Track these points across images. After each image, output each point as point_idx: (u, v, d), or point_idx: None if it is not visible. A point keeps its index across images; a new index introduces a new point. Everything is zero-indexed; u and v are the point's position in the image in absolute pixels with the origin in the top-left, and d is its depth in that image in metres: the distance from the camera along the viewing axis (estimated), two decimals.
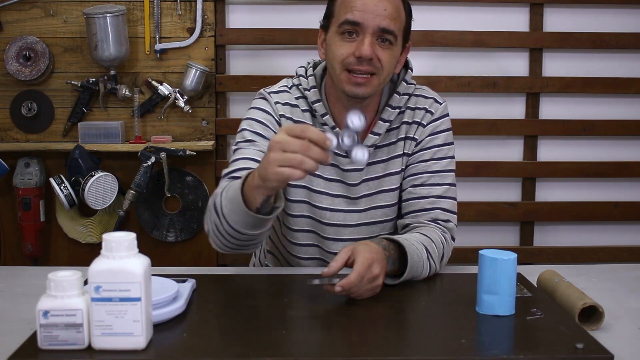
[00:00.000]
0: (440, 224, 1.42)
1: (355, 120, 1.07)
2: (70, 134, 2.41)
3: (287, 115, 1.46)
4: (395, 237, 1.30)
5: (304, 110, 1.46)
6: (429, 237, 1.35)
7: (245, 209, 1.16)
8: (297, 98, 1.47)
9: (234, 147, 1.46)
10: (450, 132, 1.49)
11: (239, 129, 1.47)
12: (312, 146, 1.04)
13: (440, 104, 1.49)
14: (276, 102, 1.46)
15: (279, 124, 1.45)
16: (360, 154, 1.08)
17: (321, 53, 1.44)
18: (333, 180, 1.46)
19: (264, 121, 1.44)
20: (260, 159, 1.33)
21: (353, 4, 1.34)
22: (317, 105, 1.44)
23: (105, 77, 2.37)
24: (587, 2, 2.46)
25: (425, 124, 1.46)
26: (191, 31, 2.39)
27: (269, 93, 1.48)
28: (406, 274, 1.25)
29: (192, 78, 2.34)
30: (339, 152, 1.40)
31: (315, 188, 1.46)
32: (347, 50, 1.34)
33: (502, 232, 2.60)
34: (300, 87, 1.47)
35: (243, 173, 1.22)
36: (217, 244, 1.28)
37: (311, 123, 1.46)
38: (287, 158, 1.04)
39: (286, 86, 1.49)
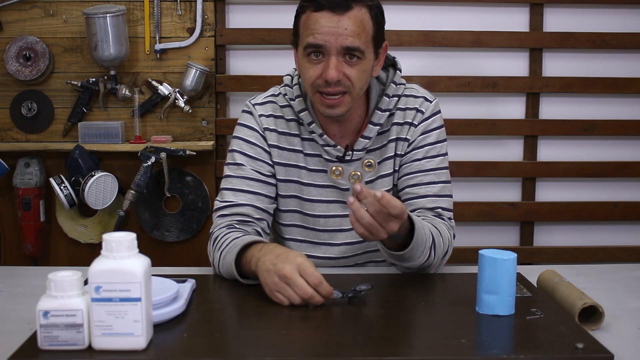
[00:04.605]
0: (445, 221, 1.42)
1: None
2: (70, 134, 2.41)
3: (271, 128, 1.47)
4: (413, 215, 1.26)
5: (289, 120, 1.47)
6: (439, 231, 1.35)
7: (242, 281, 1.24)
8: (282, 107, 1.47)
9: (225, 168, 1.47)
10: (443, 129, 1.48)
11: (229, 148, 1.49)
12: (314, 295, 1.12)
13: (431, 102, 1.47)
14: (260, 115, 1.47)
15: (264, 138, 1.46)
16: None
17: (298, 66, 1.43)
18: (326, 186, 1.47)
19: (250, 139, 1.46)
20: (247, 189, 1.42)
21: (314, 26, 1.31)
22: (303, 115, 1.44)
23: (105, 77, 2.37)
24: (587, 2, 2.46)
25: (416, 123, 1.45)
26: (191, 31, 2.39)
27: (254, 105, 1.49)
28: (406, 250, 1.24)
29: (192, 78, 2.34)
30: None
31: (307, 197, 1.47)
32: (314, 73, 1.33)
33: (502, 232, 2.60)
34: (286, 96, 1.47)
35: (231, 211, 1.37)
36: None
37: (297, 132, 1.46)
38: (286, 294, 1.13)
39: (273, 94, 1.50)
